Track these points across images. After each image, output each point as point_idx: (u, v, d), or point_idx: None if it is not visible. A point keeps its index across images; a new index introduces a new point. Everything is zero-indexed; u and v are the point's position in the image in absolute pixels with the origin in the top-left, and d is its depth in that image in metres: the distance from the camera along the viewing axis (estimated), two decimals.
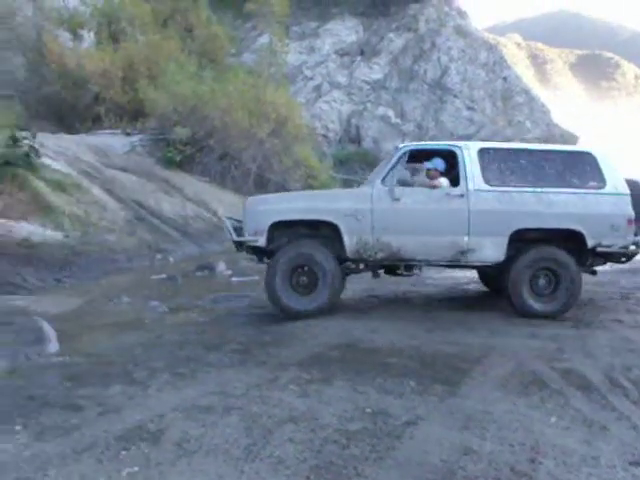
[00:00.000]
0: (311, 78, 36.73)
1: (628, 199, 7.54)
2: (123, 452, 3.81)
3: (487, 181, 7.57)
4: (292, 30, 36.38)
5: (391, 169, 7.66)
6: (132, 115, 24.16)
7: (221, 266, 12.50)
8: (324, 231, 7.64)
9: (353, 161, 32.46)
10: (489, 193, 7.53)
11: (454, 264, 7.86)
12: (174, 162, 21.82)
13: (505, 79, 39.90)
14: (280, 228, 7.62)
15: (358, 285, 9.36)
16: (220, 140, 22.45)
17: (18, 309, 8.59)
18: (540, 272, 7.58)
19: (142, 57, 25.71)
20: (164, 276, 11.64)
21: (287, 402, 4.63)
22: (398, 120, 35.55)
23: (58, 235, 13.70)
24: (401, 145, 8.20)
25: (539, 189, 7.54)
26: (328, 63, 37.49)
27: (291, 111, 25.00)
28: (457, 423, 4.25)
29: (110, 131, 23.39)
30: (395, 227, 7.50)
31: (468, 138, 33.05)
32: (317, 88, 36.33)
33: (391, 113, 35.69)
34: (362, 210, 7.50)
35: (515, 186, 7.57)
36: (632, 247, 7.64)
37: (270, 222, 7.52)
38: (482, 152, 7.75)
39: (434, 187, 7.81)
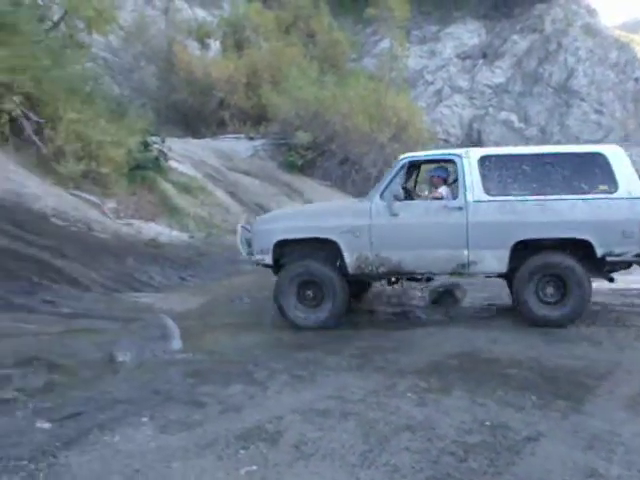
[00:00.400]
0: (432, 82, 36.40)
1: None
2: (242, 451, 3.90)
3: (487, 191, 7.21)
4: (413, 34, 36.18)
5: (389, 183, 7.48)
6: (255, 120, 24.83)
7: None
8: (327, 247, 7.57)
9: None
10: (489, 204, 7.19)
11: (458, 275, 7.71)
12: (296, 166, 22.23)
13: (637, 80, 37.87)
14: (289, 244, 7.65)
15: (479, 293, 9.18)
16: (341, 145, 22.64)
17: (145, 306, 9.01)
18: (546, 279, 7.21)
19: (265, 63, 26.44)
20: None
21: (404, 410, 4.59)
22: (521, 125, 34.61)
23: (183, 236, 14.27)
24: (401, 157, 7.93)
25: (543, 197, 7.10)
26: (449, 67, 37.02)
27: (412, 116, 24.86)
28: (581, 442, 4.05)
29: (234, 135, 24.18)
30: (393, 242, 7.36)
31: (595, 143, 31.77)
32: (438, 92, 35.98)
33: (514, 117, 34.79)
34: (360, 227, 7.39)
35: (517, 195, 7.17)
36: None
37: (274, 241, 7.58)
38: (483, 160, 7.37)
39: (435, 198, 7.67)
